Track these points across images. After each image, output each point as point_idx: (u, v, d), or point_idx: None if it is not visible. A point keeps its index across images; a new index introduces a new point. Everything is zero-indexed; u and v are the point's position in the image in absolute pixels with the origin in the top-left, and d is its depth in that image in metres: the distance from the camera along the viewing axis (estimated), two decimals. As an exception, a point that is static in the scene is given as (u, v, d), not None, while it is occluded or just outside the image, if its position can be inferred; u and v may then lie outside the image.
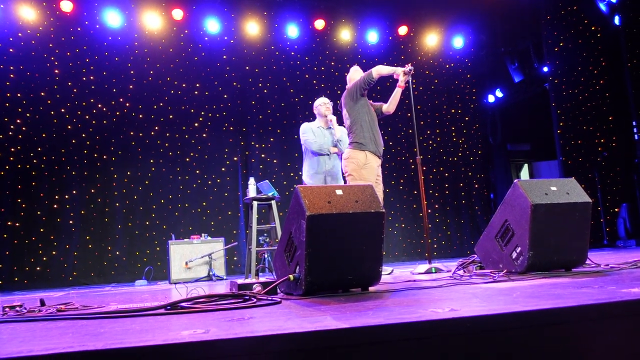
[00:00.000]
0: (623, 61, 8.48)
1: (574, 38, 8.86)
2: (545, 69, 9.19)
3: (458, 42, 9.76)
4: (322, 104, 5.51)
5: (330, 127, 5.43)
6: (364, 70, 5.01)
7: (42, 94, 7.59)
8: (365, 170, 4.66)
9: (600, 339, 1.54)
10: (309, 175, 5.44)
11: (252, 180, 6.06)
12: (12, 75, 7.47)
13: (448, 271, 4.28)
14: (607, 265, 3.36)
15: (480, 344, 1.45)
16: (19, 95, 7.47)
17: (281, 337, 1.36)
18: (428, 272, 4.32)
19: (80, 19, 7.89)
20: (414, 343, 1.41)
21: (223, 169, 8.40)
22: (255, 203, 5.72)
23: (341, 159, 5.06)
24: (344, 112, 4.93)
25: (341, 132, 5.41)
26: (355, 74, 5.11)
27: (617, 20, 8.58)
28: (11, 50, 7.49)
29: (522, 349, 1.47)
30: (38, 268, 7.28)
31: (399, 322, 1.44)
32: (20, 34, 7.55)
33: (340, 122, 5.19)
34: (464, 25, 9.66)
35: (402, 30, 9.41)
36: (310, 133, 5.44)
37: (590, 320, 1.56)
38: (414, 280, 3.43)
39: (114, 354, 1.27)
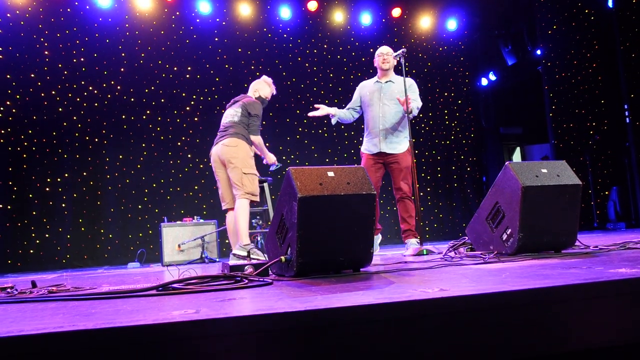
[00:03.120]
0: (616, 44, 8.48)
1: (567, 21, 8.84)
2: (539, 52, 9.18)
3: (452, 24, 9.72)
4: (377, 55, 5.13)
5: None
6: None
7: (32, 75, 7.51)
8: None
9: (588, 318, 1.56)
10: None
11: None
12: (1, 57, 7.38)
13: (439, 253, 4.31)
14: (596, 246, 3.39)
15: (469, 323, 1.47)
16: (8, 76, 7.39)
17: (271, 317, 1.37)
18: (419, 254, 4.35)
19: (70, 0, 7.78)
20: (404, 322, 1.43)
21: (215, 152, 8.36)
22: (247, 186, 5.71)
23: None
24: None
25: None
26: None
27: (610, 3, 8.56)
28: (0, 31, 7.39)
29: (510, 328, 1.49)
30: (31, 251, 7.28)
31: (389, 302, 1.45)
32: (8, 15, 7.45)
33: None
34: (458, 8, 9.62)
35: (396, 12, 9.36)
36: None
37: (578, 299, 1.58)
38: (405, 262, 3.45)
39: (104, 334, 1.28)
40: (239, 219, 4.63)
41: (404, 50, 4.80)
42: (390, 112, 4.81)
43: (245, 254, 4.55)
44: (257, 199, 4.82)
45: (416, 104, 4.88)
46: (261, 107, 5.09)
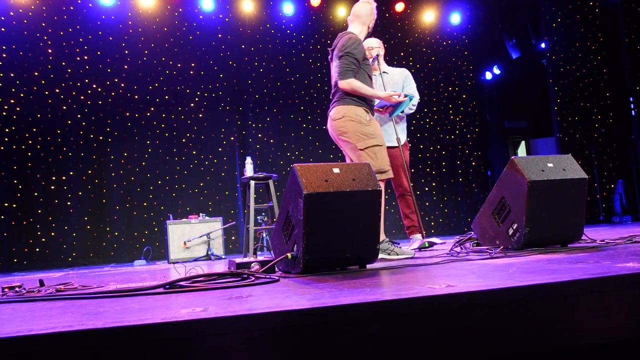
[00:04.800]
0: (621, 37, 8.43)
1: (572, 14, 8.78)
2: (543, 45, 9.13)
3: (455, 18, 9.67)
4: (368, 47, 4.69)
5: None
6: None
7: (36, 73, 7.53)
8: None
9: (596, 313, 1.56)
10: None
11: (249, 160, 6.05)
12: (4, 55, 7.39)
13: (442, 243, 4.32)
14: (603, 240, 3.38)
15: (477, 319, 1.47)
16: (12, 75, 7.41)
17: (279, 314, 1.37)
18: (422, 247, 4.35)
19: (73, -3, 7.80)
20: (411, 319, 1.43)
21: (220, 149, 8.38)
22: (252, 182, 5.73)
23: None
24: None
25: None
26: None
27: (615, -5, 8.51)
28: (3, 29, 7.40)
29: (518, 324, 1.49)
30: (37, 249, 7.30)
31: (396, 298, 1.45)
32: (12, 13, 7.46)
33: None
34: (462, 2, 9.57)
35: (399, 6, 9.32)
36: None
37: (586, 294, 1.57)
38: (412, 258, 3.45)
39: (113, 332, 1.28)
40: None
41: (377, 54, 4.71)
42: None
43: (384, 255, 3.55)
44: (389, 174, 3.74)
45: (415, 99, 4.80)
46: (354, 42, 3.78)
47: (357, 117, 3.70)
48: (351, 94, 3.74)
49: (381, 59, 4.78)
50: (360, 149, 3.66)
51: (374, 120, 3.78)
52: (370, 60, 4.52)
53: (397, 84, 4.77)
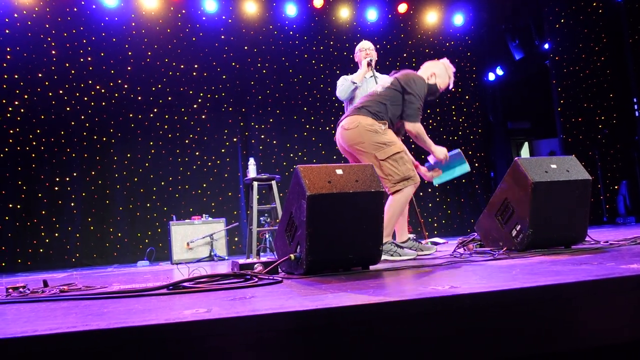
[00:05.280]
0: (624, 38, 8.41)
1: (575, 14, 8.77)
2: (546, 46, 9.11)
3: (458, 19, 9.67)
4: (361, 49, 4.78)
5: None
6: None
7: (40, 75, 7.55)
8: None
9: (601, 314, 1.56)
10: None
11: (252, 161, 6.05)
12: (8, 57, 7.42)
13: (444, 243, 4.32)
14: (607, 242, 3.37)
15: (480, 320, 1.47)
16: (16, 76, 7.43)
17: (283, 316, 1.37)
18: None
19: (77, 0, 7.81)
20: (415, 319, 1.43)
21: (223, 150, 8.39)
22: (255, 183, 5.73)
23: None
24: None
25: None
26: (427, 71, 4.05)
27: (618, -5, 8.50)
28: (7, 31, 7.43)
29: (522, 326, 1.49)
30: (41, 250, 7.32)
31: (399, 300, 1.45)
32: (16, 15, 7.48)
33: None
34: (464, 3, 9.57)
35: (402, 7, 9.32)
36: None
37: (590, 296, 1.57)
38: (415, 259, 3.45)
39: (117, 333, 1.29)
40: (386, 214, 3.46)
41: (371, 59, 4.74)
42: None
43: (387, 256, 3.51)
44: (415, 179, 3.59)
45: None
46: (425, 90, 3.83)
47: (372, 127, 3.60)
48: (370, 106, 3.66)
49: (373, 63, 4.77)
50: (382, 159, 3.55)
51: (388, 129, 3.68)
52: (366, 62, 4.61)
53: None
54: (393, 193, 3.58)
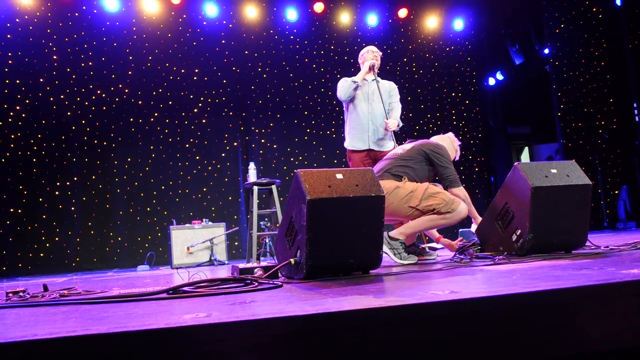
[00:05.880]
0: (624, 43, 8.42)
1: (574, 19, 8.78)
2: (546, 51, 9.12)
3: (458, 24, 9.69)
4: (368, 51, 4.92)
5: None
6: None
7: (41, 80, 7.56)
8: None
9: (601, 320, 1.55)
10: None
11: (252, 165, 6.05)
12: (10, 62, 7.43)
13: (442, 248, 4.34)
14: (607, 247, 3.37)
15: (481, 325, 1.46)
16: (17, 81, 7.44)
17: (283, 320, 1.37)
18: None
19: (78, 4, 7.82)
20: (415, 324, 1.43)
21: (223, 154, 8.39)
22: (255, 188, 5.73)
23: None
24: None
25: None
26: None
27: (618, 1, 8.50)
28: (9, 36, 7.44)
29: (522, 331, 1.49)
30: (41, 254, 7.32)
31: (400, 304, 1.45)
32: (17, 20, 7.50)
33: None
34: (464, 8, 9.59)
35: (402, 12, 9.34)
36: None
37: (590, 301, 1.57)
38: (416, 263, 3.45)
39: (117, 338, 1.29)
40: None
41: (374, 64, 4.79)
42: (379, 110, 4.75)
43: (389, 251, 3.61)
44: (460, 211, 3.59)
45: (397, 112, 4.90)
46: (450, 153, 4.02)
47: (393, 188, 3.59)
48: (390, 169, 3.73)
49: (376, 69, 4.84)
50: (418, 206, 3.55)
51: (407, 181, 3.69)
52: (369, 64, 4.74)
53: (381, 93, 4.81)
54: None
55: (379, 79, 4.88)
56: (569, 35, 8.80)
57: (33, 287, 3.12)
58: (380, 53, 4.98)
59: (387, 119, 4.74)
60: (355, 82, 4.69)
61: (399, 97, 4.99)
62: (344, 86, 4.76)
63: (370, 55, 4.89)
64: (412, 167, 3.75)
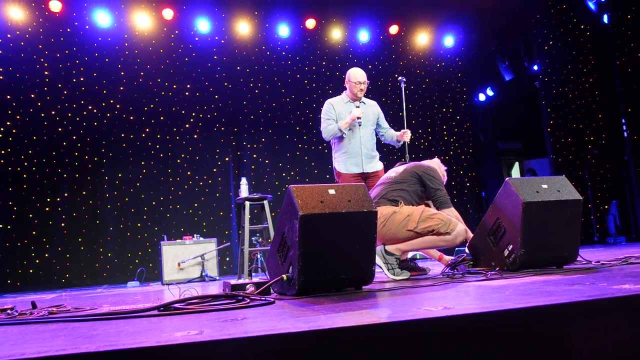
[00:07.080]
0: (612, 59, 8.54)
1: (563, 36, 8.91)
2: (536, 67, 9.24)
3: (449, 41, 9.79)
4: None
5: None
6: None
7: (32, 95, 7.53)
8: None
9: (593, 334, 1.55)
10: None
11: (244, 180, 6.05)
12: (1, 77, 7.41)
13: (431, 260, 4.41)
14: (598, 261, 3.38)
15: (474, 341, 1.46)
16: (8, 97, 7.41)
17: (275, 337, 1.36)
18: (413, 258, 4.41)
19: (70, 19, 7.82)
20: (408, 341, 1.42)
21: (214, 170, 8.38)
22: (247, 203, 5.72)
23: None
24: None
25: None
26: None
27: (605, 18, 8.63)
28: (0, 51, 7.43)
29: (515, 346, 1.48)
30: (30, 270, 7.23)
31: (392, 321, 1.44)
32: (9, 35, 7.49)
33: None
34: (455, 25, 9.69)
35: (393, 29, 9.43)
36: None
37: (583, 316, 1.57)
38: (408, 279, 3.44)
39: (107, 356, 1.27)
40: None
41: (404, 78, 4.87)
42: (368, 134, 4.79)
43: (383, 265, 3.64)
44: (458, 233, 3.60)
45: (391, 130, 5.01)
46: (442, 175, 4.07)
47: (390, 213, 3.63)
48: (386, 195, 3.76)
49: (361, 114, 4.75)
50: (415, 228, 3.56)
51: (403, 205, 3.70)
52: (356, 116, 4.64)
53: (374, 114, 4.88)
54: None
55: (364, 100, 4.91)
56: (557, 52, 8.92)
57: (21, 304, 3.08)
58: (366, 77, 4.85)
59: (380, 136, 4.88)
60: (341, 131, 4.68)
61: (384, 119, 5.05)
62: (329, 130, 4.74)
63: (356, 89, 4.76)
64: (407, 189, 3.78)
